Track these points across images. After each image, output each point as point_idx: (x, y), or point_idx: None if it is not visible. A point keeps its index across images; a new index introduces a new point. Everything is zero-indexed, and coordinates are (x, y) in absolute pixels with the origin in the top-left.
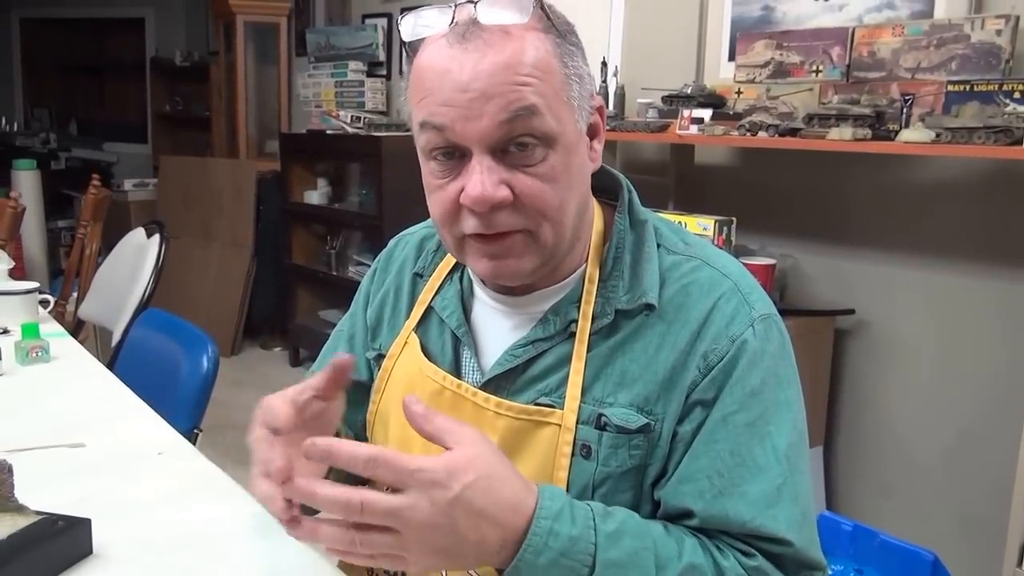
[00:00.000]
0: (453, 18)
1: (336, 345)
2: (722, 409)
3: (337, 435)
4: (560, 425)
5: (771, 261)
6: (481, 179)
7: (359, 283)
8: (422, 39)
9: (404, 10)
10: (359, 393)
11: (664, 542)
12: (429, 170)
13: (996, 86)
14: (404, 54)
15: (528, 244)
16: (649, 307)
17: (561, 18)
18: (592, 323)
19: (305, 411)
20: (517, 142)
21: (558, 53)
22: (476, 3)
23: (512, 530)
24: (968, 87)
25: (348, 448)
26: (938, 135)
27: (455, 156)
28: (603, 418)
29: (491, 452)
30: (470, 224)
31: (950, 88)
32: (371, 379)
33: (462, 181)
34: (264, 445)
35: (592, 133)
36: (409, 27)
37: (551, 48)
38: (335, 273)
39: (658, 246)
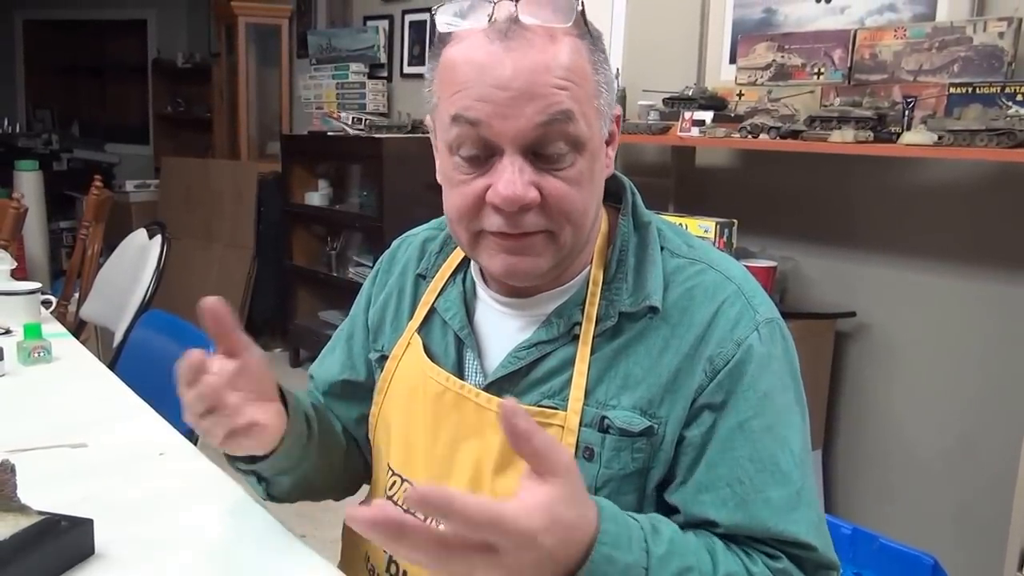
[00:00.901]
0: (492, 14)
1: (335, 345)
2: (737, 416)
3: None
4: (563, 427)
5: (772, 263)
6: (513, 179)
7: (359, 284)
8: (452, 32)
9: (405, 12)
10: (355, 391)
11: (701, 555)
12: (453, 164)
13: (998, 88)
14: (413, 48)
15: (547, 245)
16: (653, 310)
17: (593, 25)
18: (596, 325)
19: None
20: (550, 145)
21: (592, 60)
22: (517, 1)
23: (570, 557)
24: (970, 89)
25: (463, 500)
26: (940, 137)
27: (484, 153)
28: (606, 420)
29: (575, 488)
30: (494, 222)
31: (952, 90)
32: (370, 379)
33: (490, 178)
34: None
35: (608, 140)
36: (446, 18)
37: (586, 54)
38: (335, 274)
39: (662, 249)
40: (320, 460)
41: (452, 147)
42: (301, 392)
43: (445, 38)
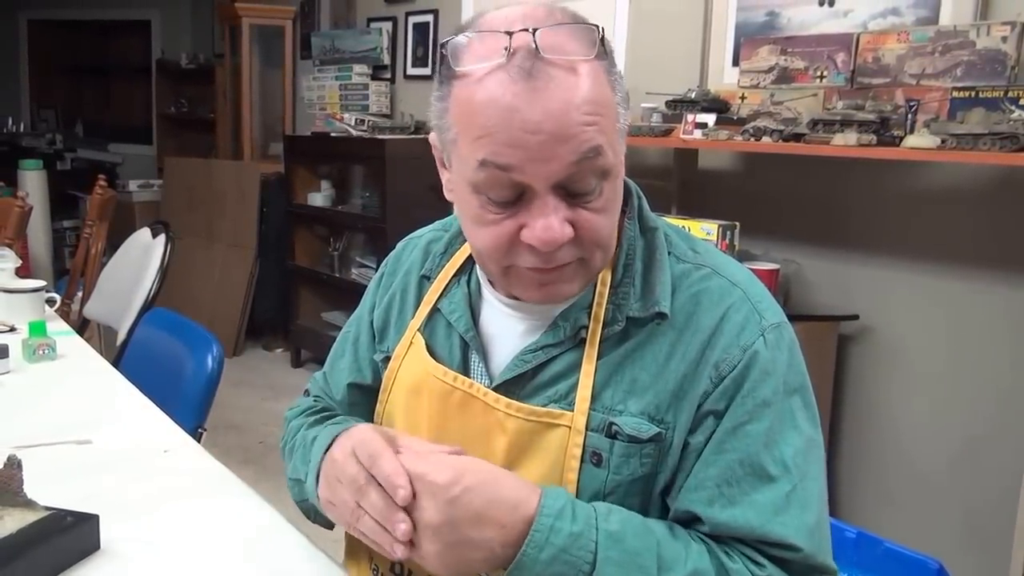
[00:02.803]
0: (509, 46)
1: (343, 348)
2: (733, 419)
3: None
4: (570, 427)
5: (774, 266)
6: (549, 223)
7: (361, 285)
8: (469, 68)
9: (408, 13)
10: (363, 394)
11: (669, 545)
12: (479, 203)
13: (1001, 92)
14: (416, 49)
15: (578, 270)
16: (660, 315)
17: (608, 42)
18: (603, 329)
19: None
20: (580, 182)
21: (610, 81)
22: (535, 32)
23: (513, 529)
24: (973, 93)
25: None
26: (943, 141)
27: (514, 193)
28: (614, 426)
29: (491, 464)
30: (529, 260)
31: (955, 94)
32: (376, 381)
33: (522, 219)
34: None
35: None
36: (460, 55)
37: (606, 78)
38: (338, 275)
39: (668, 254)
40: None
41: (479, 187)
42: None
43: (459, 70)
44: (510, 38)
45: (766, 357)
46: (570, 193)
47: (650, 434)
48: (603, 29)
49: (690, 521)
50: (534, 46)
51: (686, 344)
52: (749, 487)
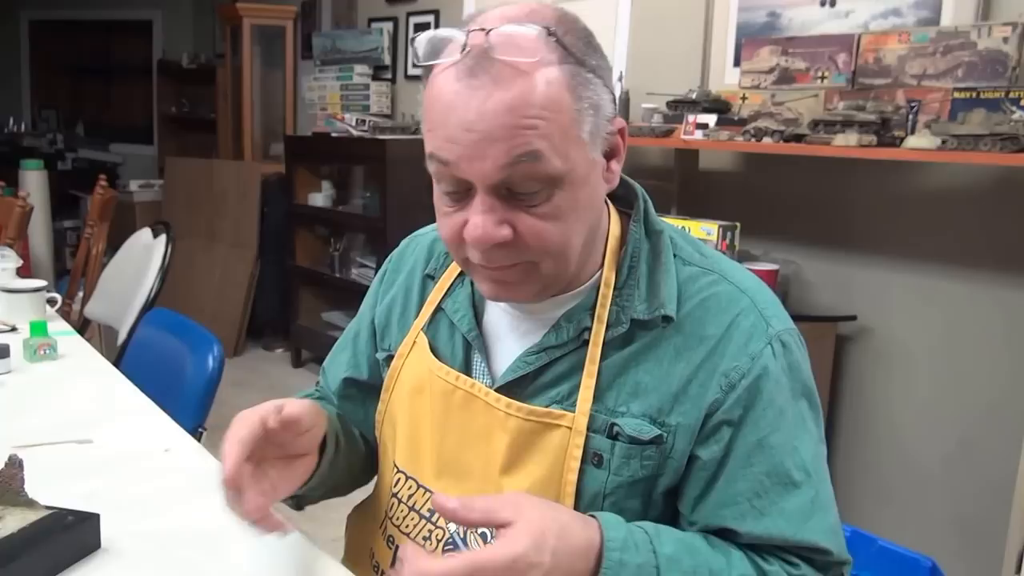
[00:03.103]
0: (466, 45)
1: (344, 343)
2: (756, 433)
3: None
4: (571, 428)
5: (774, 267)
6: (482, 220)
7: (361, 285)
8: (431, 63)
9: (409, 14)
10: (359, 389)
11: (712, 557)
12: (439, 193)
13: (1002, 93)
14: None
15: (529, 273)
16: (666, 319)
17: (580, 43)
18: (607, 331)
19: (275, 435)
20: (520, 185)
21: (572, 85)
22: (489, 32)
23: (587, 571)
24: (974, 94)
25: (440, 567)
26: (944, 142)
27: (460, 188)
28: (615, 428)
29: (547, 504)
30: (473, 255)
31: (956, 95)
32: (373, 378)
33: (466, 214)
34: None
35: (610, 155)
36: (422, 51)
37: (565, 81)
38: (338, 275)
39: (674, 256)
40: (345, 469)
41: (435, 178)
42: (330, 407)
43: (423, 65)
44: (467, 35)
45: (776, 366)
46: (513, 195)
47: (651, 436)
48: (557, 32)
49: (723, 534)
50: (486, 46)
51: (692, 349)
52: (777, 496)
